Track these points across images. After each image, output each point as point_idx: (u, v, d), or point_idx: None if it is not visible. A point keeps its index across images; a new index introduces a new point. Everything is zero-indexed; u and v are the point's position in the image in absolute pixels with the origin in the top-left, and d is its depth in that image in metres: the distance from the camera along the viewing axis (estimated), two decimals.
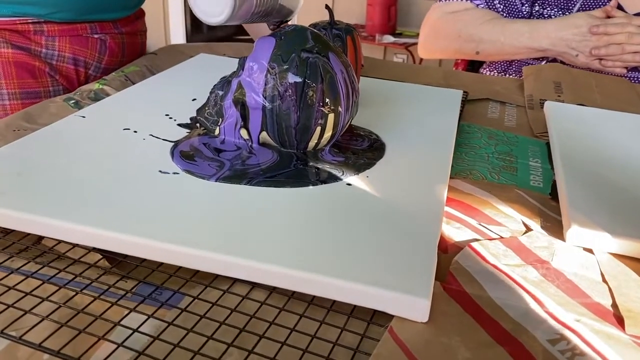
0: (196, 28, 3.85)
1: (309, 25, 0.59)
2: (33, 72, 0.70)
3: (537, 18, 0.92)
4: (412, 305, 0.32)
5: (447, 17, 0.95)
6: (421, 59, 2.63)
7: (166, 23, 3.45)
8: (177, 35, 3.47)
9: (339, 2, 2.88)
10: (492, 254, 0.40)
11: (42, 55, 0.71)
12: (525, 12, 0.92)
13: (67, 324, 0.31)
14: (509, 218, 0.45)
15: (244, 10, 0.44)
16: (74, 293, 0.33)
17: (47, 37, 0.71)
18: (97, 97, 0.65)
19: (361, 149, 0.51)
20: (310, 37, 0.48)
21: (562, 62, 0.91)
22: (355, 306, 0.34)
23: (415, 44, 2.60)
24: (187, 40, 3.53)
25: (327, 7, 0.59)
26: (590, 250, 0.42)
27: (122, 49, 0.79)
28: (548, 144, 0.61)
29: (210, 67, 0.73)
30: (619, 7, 0.87)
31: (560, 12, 0.90)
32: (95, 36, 0.75)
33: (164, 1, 3.39)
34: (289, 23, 0.51)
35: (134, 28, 0.82)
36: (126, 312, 0.32)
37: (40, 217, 0.38)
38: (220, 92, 0.50)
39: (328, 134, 0.49)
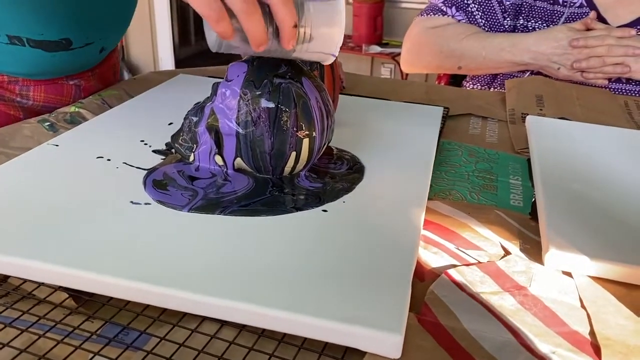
0: (184, 41, 3.85)
1: None
2: (8, 119, 0.69)
3: (522, 31, 0.92)
4: (384, 341, 0.31)
5: (428, 33, 0.95)
6: None
7: (153, 36, 3.44)
8: (165, 47, 3.47)
9: None
10: (469, 281, 0.39)
11: (16, 103, 0.70)
12: (507, 26, 0.93)
13: None
14: (488, 241, 0.45)
15: (241, 50, 0.43)
16: (37, 337, 0.32)
17: (22, 86, 0.70)
18: (72, 119, 0.64)
19: (339, 173, 0.51)
20: (283, 62, 0.47)
21: (545, 75, 0.91)
22: (327, 343, 0.33)
23: None
24: (175, 53, 3.52)
25: None
26: (569, 274, 0.41)
27: (96, 87, 0.78)
28: (529, 160, 0.61)
29: (188, 89, 0.72)
30: (601, 20, 0.87)
31: (544, 25, 0.90)
32: (71, 82, 0.74)
33: (150, 14, 3.38)
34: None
35: (107, 65, 0.81)
36: (90, 356, 0.31)
37: (4, 256, 0.37)
38: (195, 119, 0.50)
39: (303, 158, 0.48)
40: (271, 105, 0.46)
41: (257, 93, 0.46)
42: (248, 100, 0.46)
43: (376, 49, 2.62)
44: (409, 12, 2.72)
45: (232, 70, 0.47)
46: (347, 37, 2.77)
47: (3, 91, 0.69)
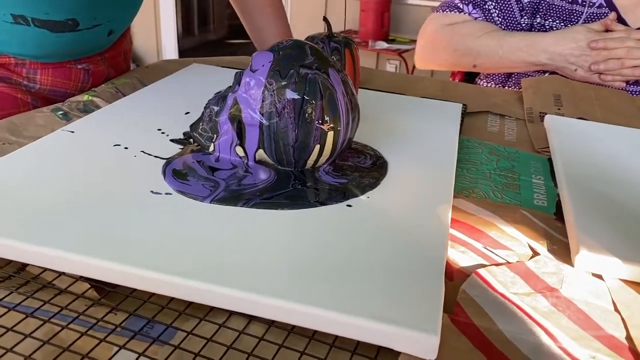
0: (188, 31, 3.83)
1: (306, 38, 0.58)
2: (15, 103, 0.67)
3: (539, 30, 0.91)
4: (419, 341, 0.30)
5: (444, 30, 0.94)
6: (413, 68, 2.62)
7: (157, 26, 3.42)
8: (169, 38, 3.45)
9: (332, 7, 2.87)
10: (500, 281, 0.38)
11: (23, 86, 0.69)
12: (524, 25, 0.91)
13: None
14: (515, 241, 0.44)
15: None
16: (60, 328, 0.31)
17: (29, 69, 0.68)
18: (86, 108, 0.63)
19: (365, 167, 0.49)
20: (309, 52, 0.46)
21: (561, 75, 0.90)
22: (359, 341, 0.32)
23: (408, 50, 2.59)
24: (179, 44, 3.50)
25: (325, 19, 0.57)
26: (599, 276, 0.40)
27: (106, 72, 0.76)
28: (550, 160, 0.60)
29: (203, 78, 0.71)
30: (621, 21, 0.86)
31: (562, 24, 0.89)
32: (79, 66, 0.72)
33: (155, 4, 3.36)
34: None
35: (118, 50, 0.79)
36: (115, 349, 0.30)
37: (24, 243, 0.35)
38: (216, 108, 0.49)
39: (327, 152, 0.47)
40: (296, 96, 0.45)
41: (283, 83, 0.45)
42: (273, 91, 0.45)
43: (382, 44, 2.61)
44: (417, 9, 2.71)
45: (257, 60, 0.46)
46: (353, 32, 2.76)
47: (10, 74, 0.68)
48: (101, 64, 0.75)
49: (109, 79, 0.76)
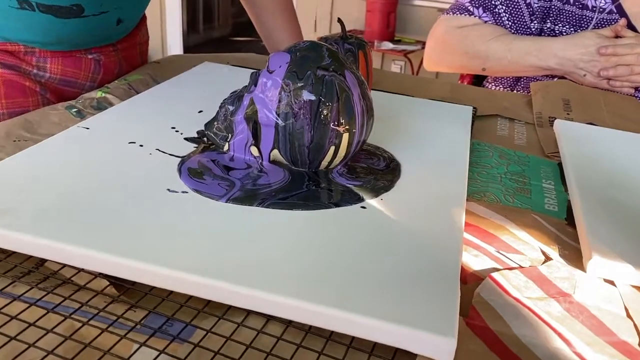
0: (192, 28, 3.83)
1: (319, 39, 0.58)
2: (23, 91, 0.67)
3: (549, 35, 0.91)
4: (436, 344, 0.30)
5: (454, 32, 0.94)
6: (419, 68, 2.62)
7: (163, 23, 3.42)
8: (174, 34, 3.45)
9: (338, 6, 2.87)
10: (514, 285, 0.38)
11: (33, 75, 0.68)
12: (534, 29, 0.91)
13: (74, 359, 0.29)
14: (527, 245, 0.44)
15: None
16: (80, 324, 0.32)
17: (39, 57, 0.68)
18: (99, 106, 0.63)
19: (379, 170, 0.50)
20: (326, 54, 0.46)
21: (569, 80, 0.90)
22: (376, 343, 0.32)
23: (414, 51, 2.59)
24: (184, 40, 3.50)
25: (339, 20, 0.57)
26: (611, 282, 0.41)
27: (118, 64, 0.76)
28: (560, 165, 0.60)
29: (215, 77, 0.72)
30: (630, 27, 0.86)
31: (572, 30, 0.89)
32: (90, 56, 0.72)
33: (160, 1, 3.36)
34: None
35: (131, 42, 0.79)
36: (136, 346, 0.30)
37: (43, 239, 0.36)
38: (231, 107, 0.49)
39: (342, 153, 0.47)
40: (313, 97, 0.45)
41: (300, 85, 0.45)
42: (290, 92, 0.45)
43: (388, 45, 2.61)
44: (423, 10, 2.71)
45: (274, 60, 0.46)
46: (359, 32, 2.75)
47: (19, 62, 0.67)
48: (113, 55, 0.75)
49: (122, 72, 0.76)
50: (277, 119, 0.46)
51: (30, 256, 0.37)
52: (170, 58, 0.83)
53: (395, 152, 0.54)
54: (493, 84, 1.01)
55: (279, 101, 0.45)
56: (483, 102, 0.77)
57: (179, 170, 0.47)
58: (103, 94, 0.65)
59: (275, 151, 0.48)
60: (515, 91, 0.97)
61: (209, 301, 0.34)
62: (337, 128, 0.46)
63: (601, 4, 0.88)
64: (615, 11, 0.87)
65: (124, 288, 0.35)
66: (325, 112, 0.45)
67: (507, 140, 0.66)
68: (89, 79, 0.72)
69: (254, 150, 0.48)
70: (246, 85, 0.49)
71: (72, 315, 0.32)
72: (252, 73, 0.48)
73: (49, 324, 0.32)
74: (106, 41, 0.74)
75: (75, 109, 0.61)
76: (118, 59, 0.76)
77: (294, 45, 0.48)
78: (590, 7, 0.89)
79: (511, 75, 0.96)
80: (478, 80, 1.08)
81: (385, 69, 2.84)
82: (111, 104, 0.63)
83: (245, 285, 0.33)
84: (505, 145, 0.64)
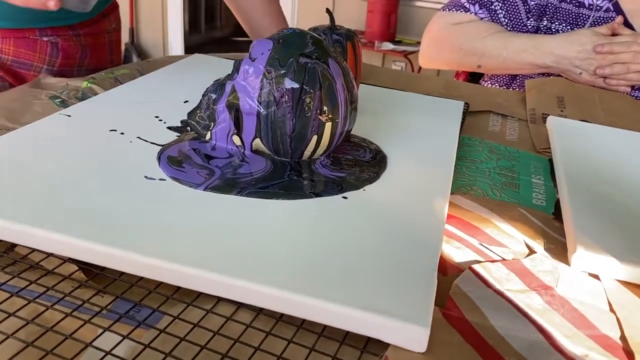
0: (194, 28, 3.82)
1: (309, 29, 0.57)
2: None
3: (545, 32, 0.90)
4: (409, 334, 0.30)
5: (449, 29, 0.93)
6: (420, 68, 2.61)
7: (164, 22, 3.42)
8: (175, 34, 3.45)
9: (339, 7, 2.86)
10: (495, 278, 0.37)
11: None
12: (530, 27, 0.91)
13: (34, 343, 0.28)
14: (511, 238, 0.43)
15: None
16: (44, 308, 0.31)
17: None
18: (84, 97, 0.62)
19: (365, 161, 0.49)
20: (310, 41, 0.45)
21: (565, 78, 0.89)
22: (348, 332, 0.31)
23: (415, 52, 2.58)
24: (185, 40, 3.50)
25: (327, 11, 0.56)
26: (596, 276, 0.40)
27: (81, 50, 0.72)
28: (551, 160, 0.59)
29: (203, 68, 0.71)
30: (628, 26, 0.85)
31: (569, 27, 0.88)
32: (45, 39, 0.68)
33: (162, 0, 3.36)
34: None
35: (97, 28, 0.75)
36: (100, 331, 0.30)
37: (13, 223, 0.35)
38: (214, 96, 0.48)
39: (325, 143, 0.46)
40: (295, 85, 0.44)
41: (282, 72, 0.44)
42: (271, 79, 0.44)
43: (389, 46, 2.60)
44: (424, 11, 2.70)
45: (256, 48, 0.46)
46: (359, 33, 2.75)
47: None
48: (74, 40, 0.71)
49: (86, 60, 0.73)
50: (258, 107, 0.45)
51: (0, 240, 0.37)
52: (162, 59, 0.82)
53: (384, 144, 0.53)
54: (489, 82, 1.01)
55: (261, 89, 0.45)
56: (477, 98, 0.76)
57: (158, 158, 0.46)
58: (89, 84, 0.64)
59: (258, 140, 0.47)
60: (510, 89, 0.96)
61: (179, 288, 0.33)
62: (319, 117, 0.45)
63: (598, 2, 0.87)
64: (612, 9, 0.87)
65: (93, 273, 0.35)
66: (307, 100, 0.44)
67: (498, 136, 0.65)
68: (45, 62, 0.69)
69: (236, 139, 0.48)
70: (229, 74, 0.48)
71: (37, 300, 0.32)
72: (235, 61, 0.47)
73: (12, 308, 0.31)
74: (61, 22, 0.70)
75: (60, 99, 0.61)
76: (80, 45, 0.72)
77: (277, 32, 0.47)
78: (586, 5, 0.88)
79: (507, 73, 0.95)
80: (474, 79, 1.07)
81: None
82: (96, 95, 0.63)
83: (214, 271, 0.32)
84: (496, 141, 0.63)
